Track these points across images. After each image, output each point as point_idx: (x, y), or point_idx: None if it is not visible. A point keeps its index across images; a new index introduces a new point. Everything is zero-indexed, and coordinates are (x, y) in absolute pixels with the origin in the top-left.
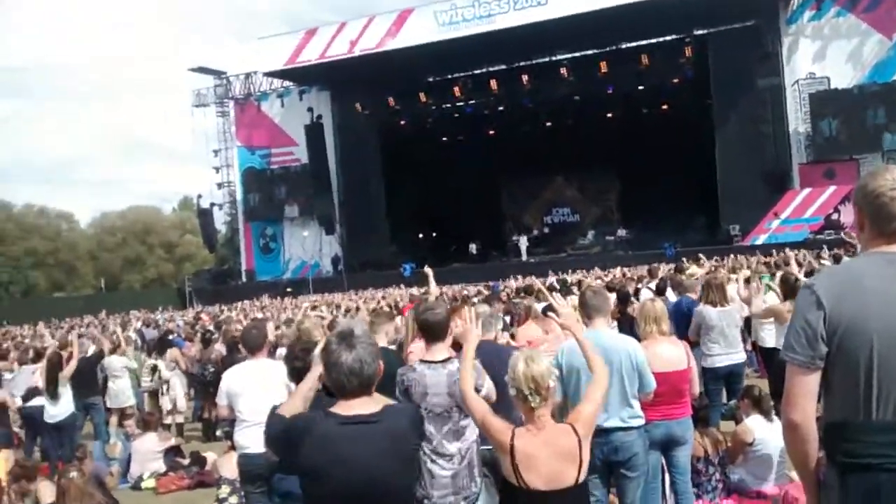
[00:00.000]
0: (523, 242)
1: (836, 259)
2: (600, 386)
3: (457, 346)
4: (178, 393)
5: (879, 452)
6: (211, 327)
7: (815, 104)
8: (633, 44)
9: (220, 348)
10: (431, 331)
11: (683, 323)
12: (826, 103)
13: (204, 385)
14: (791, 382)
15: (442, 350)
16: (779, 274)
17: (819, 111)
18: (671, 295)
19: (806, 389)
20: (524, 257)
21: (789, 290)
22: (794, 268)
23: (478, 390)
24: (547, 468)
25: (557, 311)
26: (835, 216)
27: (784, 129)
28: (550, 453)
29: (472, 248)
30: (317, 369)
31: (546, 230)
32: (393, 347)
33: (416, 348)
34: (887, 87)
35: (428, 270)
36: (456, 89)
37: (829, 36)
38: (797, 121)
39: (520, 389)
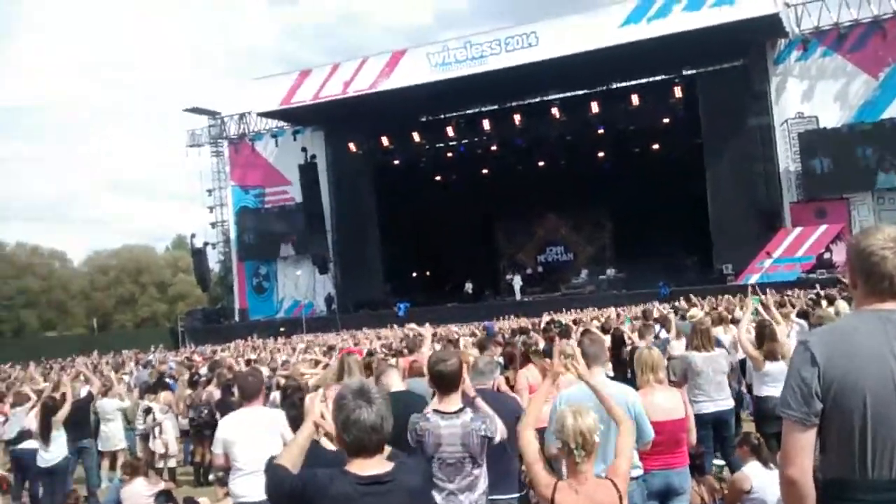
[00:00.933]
0: (517, 282)
1: (830, 300)
2: (629, 438)
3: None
4: (170, 436)
5: None
6: (203, 369)
7: (805, 143)
8: (623, 84)
9: (213, 391)
10: (445, 382)
11: None
12: (815, 142)
13: (197, 428)
14: (788, 439)
15: (455, 400)
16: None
17: (808, 150)
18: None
19: (802, 445)
20: (518, 296)
21: (763, 336)
22: (774, 314)
23: (491, 438)
24: None
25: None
26: (826, 255)
27: (774, 168)
28: None
29: (468, 287)
30: (311, 418)
31: (540, 269)
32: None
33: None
34: (875, 126)
35: (426, 332)
36: (449, 129)
37: (816, 76)
38: (787, 160)
39: (566, 443)
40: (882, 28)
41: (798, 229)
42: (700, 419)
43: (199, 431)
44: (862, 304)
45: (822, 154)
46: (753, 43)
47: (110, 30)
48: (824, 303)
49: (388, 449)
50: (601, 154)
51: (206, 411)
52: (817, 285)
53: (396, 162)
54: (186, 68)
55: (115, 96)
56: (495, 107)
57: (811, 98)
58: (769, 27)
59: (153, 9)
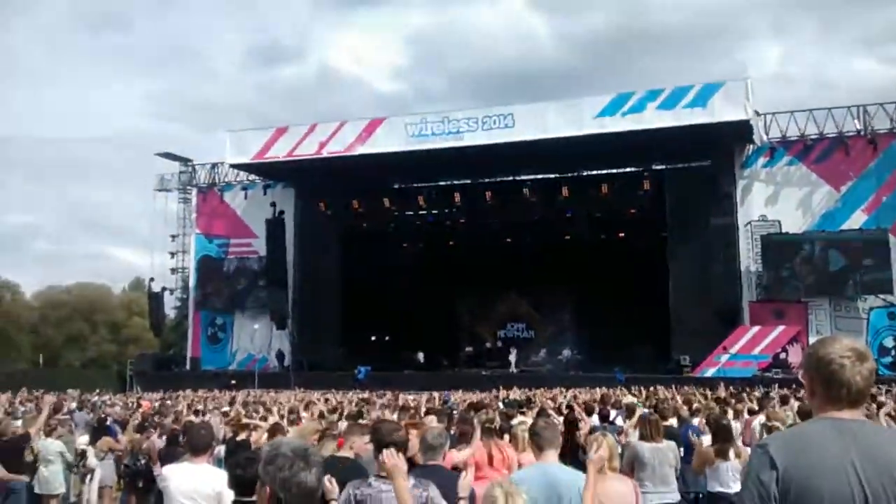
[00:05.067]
0: (514, 354)
1: (784, 400)
2: None
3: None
4: (106, 482)
5: None
6: (149, 417)
7: (766, 246)
8: (595, 172)
9: (156, 440)
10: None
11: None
12: (776, 246)
13: (131, 476)
14: None
15: None
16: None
17: (769, 253)
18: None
19: None
20: (514, 369)
21: (717, 431)
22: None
23: None
24: None
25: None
26: (783, 355)
27: (736, 268)
28: None
29: (419, 356)
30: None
31: (499, 344)
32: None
33: None
34: (835, 235)
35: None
36: (420, 198)
37: (781, 182)
38: (748, 260)
39: None
40: (845, 144)
41: (756, 328)
42: None
43: (133, 480)
44: (820, 411)
45: (782, 258)
46: (723, 145)
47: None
48: (776, 403)
49: None
50: (567, 237)
51: (143, 460)
52: (774, 385)
53: (365, 225)
54: (163, 117)
55: (87, 135)
56: (468, 181)
57: (775, 203)
58: (739, 132)
59: (128, 55)
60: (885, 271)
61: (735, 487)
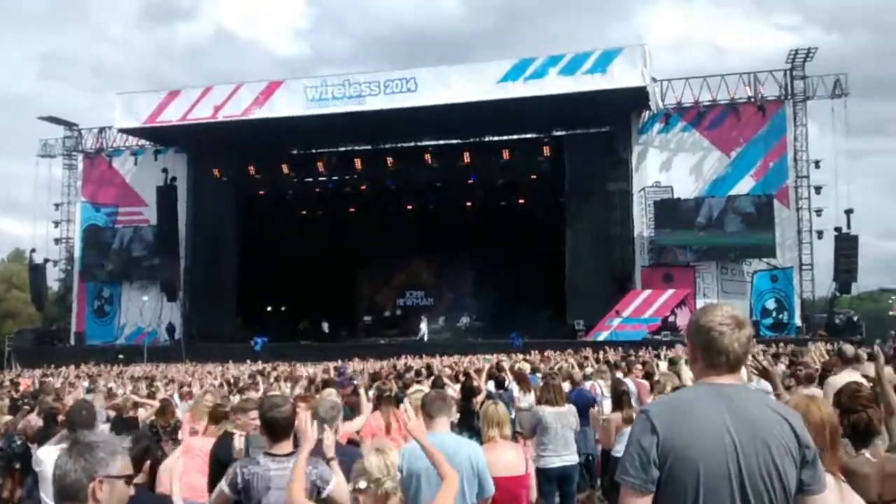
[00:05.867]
0: (424, 325)
1: (672, 362)
2: (450, 493)
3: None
4: None
5: None
6: (28, 395)
7: (659, 211)
8: (496, 138)
9: (31, 419)
10: (278, 428)
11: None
12: (668, 211)
13: (7, 459)
14: None
15: (287, 445)
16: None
17: (661, 218)
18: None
19: None
20: (426, 338)
21: (619, 398)
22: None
23: (321, 489)
24: None
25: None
26: (671, 318)
27: (629, 233)
28: None
29: (325, 326)
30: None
31: (399, 312)
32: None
33: None
34: (723, 201)
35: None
36: (319, 164)
37: (674, 149)
38: (642, 225)
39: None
40: (737, 111)
41: (647, 292)
42: (546, 474)
43: (9, 463)
44: (700, 377)
45: (674, 223)
46: (620, 112)
47: None
48: (663, 364)
49: None
50: (469, 203)
51: (19, 441)
52: (663, 347)
53: (262, 192)
54: (46, 77)
55: None
56: (368, 147)
57: (669, 169)
58: (636, 99)
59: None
60: (769, 236)
61: None
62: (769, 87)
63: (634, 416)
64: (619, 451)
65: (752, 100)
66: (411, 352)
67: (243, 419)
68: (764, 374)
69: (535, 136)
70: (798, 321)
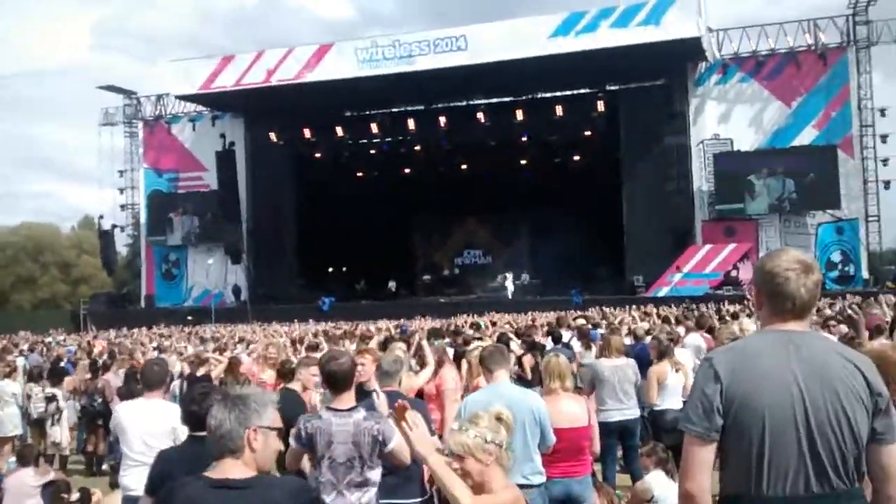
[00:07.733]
0: (510, 281)
1: (734, 317)
2: (405, 449)
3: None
4: (67, 424)
5: None
6: (105, 356)
7: (719, 164)
8: (549, 94)
9: (111, 378)
10: (337, 381)
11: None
12: (728, 164)
13: (90, 416)
14: (687, 453)
15: (348, 399)
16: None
17: (722, 171)
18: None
19: (701, 460)
20: (511, 296)
21: (660, 352)
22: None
23: (382, 442)
24: None
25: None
26: (734, 273)
27: (688, 187)
28: None
29: (391, 285)
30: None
31: (457, 271)
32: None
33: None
34: (785, 152)
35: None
36: (373, 126)
37: (733, 100)
38: (701, 179)
39: None
40: (797, 60)
41: (708, 247)
42: (606, 427)
43: (92, 420)
44: (766, 324)
45: (735, 176)
46: (675, 64)
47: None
48: (728, 319)
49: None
50: (523, 161)
51: (100, 399)
52: (725, 301)
53: (318, 155)
54: (103, 49)
55: (27, 69)
56: (421, 107)
57: (727, 121)
58: (691, 50)
59: None
60: (833, 187)
61: (676, 404)
62: (830, 33)
63: (672, 367)
64: (659, 405)
65: (813, 48)
66: (470, 310)
67: (304, 374)
68: (849, 321)
69: (588, 91)
70: (865, 273)
